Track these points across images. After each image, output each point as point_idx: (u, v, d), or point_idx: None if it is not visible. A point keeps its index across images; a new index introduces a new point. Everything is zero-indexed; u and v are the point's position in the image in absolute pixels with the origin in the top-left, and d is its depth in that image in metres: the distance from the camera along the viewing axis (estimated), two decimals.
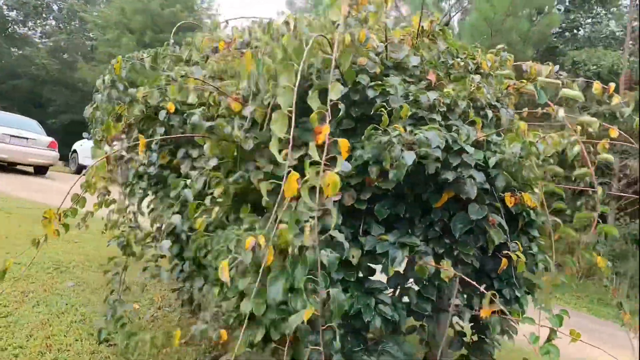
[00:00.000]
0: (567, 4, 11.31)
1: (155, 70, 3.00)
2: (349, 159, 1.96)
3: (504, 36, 8.36)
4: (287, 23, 1.78)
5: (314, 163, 1.27)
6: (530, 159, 1.58)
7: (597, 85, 2.16)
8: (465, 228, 1.79)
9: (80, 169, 12.51)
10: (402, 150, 1.61)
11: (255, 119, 2.06)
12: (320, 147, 1.24)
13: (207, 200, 1.95)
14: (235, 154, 2.02)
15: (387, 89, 1.93)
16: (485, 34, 8.13)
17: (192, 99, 2.35)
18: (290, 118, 1.36)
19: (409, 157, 1.56)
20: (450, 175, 1.67)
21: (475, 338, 2.28)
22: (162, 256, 2.86)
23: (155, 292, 3.69)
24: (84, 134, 12.48)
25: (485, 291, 1.71)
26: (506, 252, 1.93)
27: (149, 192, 2.73)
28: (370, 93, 1.91)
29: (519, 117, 2.08)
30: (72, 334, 2.76)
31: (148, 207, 2.84)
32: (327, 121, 1.28)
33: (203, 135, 1.85)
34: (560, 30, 10.61)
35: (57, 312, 3.00)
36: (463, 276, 1.69)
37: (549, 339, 1.75)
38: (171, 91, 2.23)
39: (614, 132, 2.16)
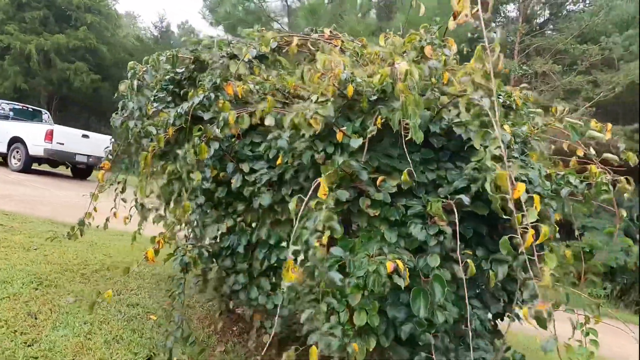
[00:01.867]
0: None
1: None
2: (439, 186, 2.29)
3: None
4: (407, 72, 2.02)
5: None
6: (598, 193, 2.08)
7: (594, 123, 2.79)
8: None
9: None
10: None
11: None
12: (515, 201, 1.55)
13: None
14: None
15: (469, 127, 2.28)
16: None
17: (270, 121, 2.44)
18: None
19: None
20: None
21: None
22: (210, 269, 2.88)
23: (164, 301, 3.58)
24: None
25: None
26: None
27: (203, 208, 2.71)
28: (458, 130, 2.24)
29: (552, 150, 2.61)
30: (116, 355, 2.65)
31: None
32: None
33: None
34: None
35: (83, 333, 2.80)
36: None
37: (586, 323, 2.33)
38: (283, 121, 2.27)
39: (580, 152, 2.83)
